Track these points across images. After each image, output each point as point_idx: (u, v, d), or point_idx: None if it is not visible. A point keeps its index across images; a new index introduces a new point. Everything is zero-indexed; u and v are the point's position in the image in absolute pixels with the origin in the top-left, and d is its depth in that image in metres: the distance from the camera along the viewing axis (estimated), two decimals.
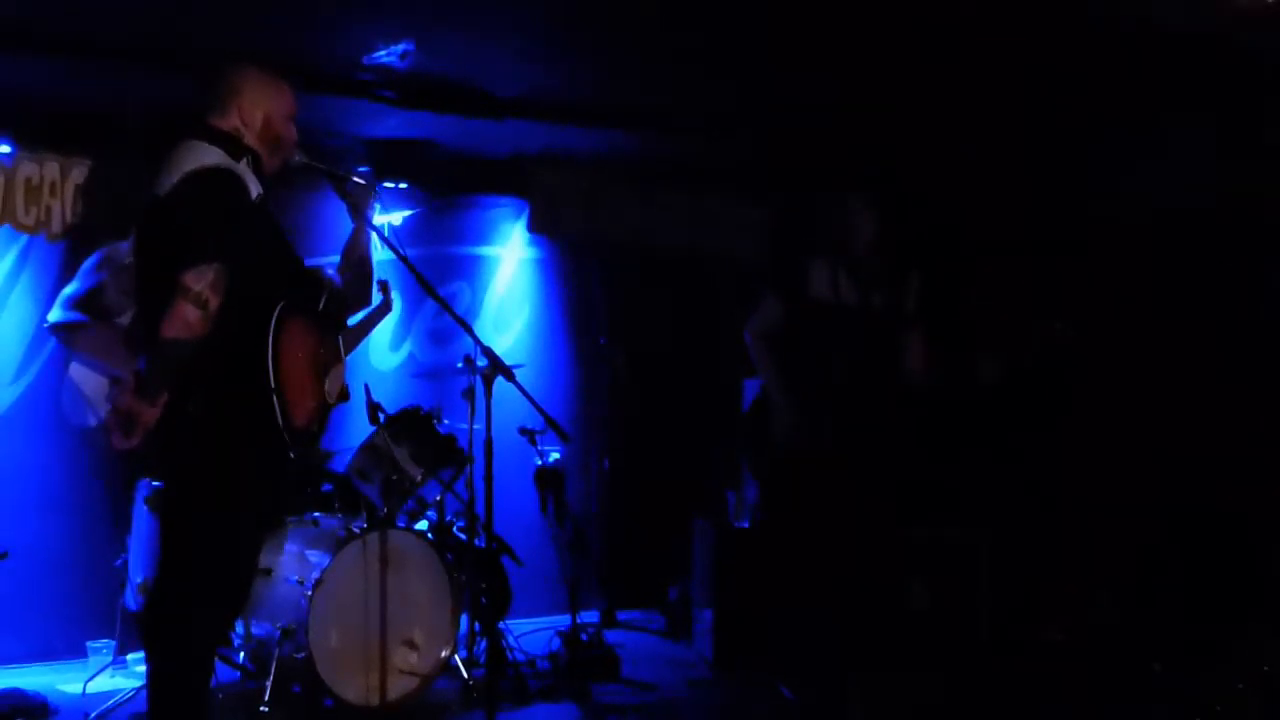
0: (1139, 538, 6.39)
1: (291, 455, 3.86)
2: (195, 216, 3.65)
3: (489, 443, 4.58)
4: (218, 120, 3.93)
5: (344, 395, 5.56)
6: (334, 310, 4.47)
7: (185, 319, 3.56)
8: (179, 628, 3.80)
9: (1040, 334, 5.35)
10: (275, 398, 3.74)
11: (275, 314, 3.81)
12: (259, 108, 3.97)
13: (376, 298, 5.65)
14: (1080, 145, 6.74)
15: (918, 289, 5.58)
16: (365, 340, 7.36)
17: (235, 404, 3.74)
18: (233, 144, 3.88)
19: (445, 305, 4.52)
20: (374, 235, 5.70)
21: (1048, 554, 6.52)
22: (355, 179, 4.54)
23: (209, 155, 3.78)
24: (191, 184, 3.68)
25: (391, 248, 4.48)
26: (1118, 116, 6.38)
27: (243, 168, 3.86)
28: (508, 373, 4.47)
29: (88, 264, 5.94)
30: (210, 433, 3.72)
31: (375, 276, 6.03)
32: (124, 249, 5.90)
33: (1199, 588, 6.17)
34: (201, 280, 3.57)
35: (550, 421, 4.58)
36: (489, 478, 4.56)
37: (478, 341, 4.43)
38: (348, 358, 5.64)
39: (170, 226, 3.66)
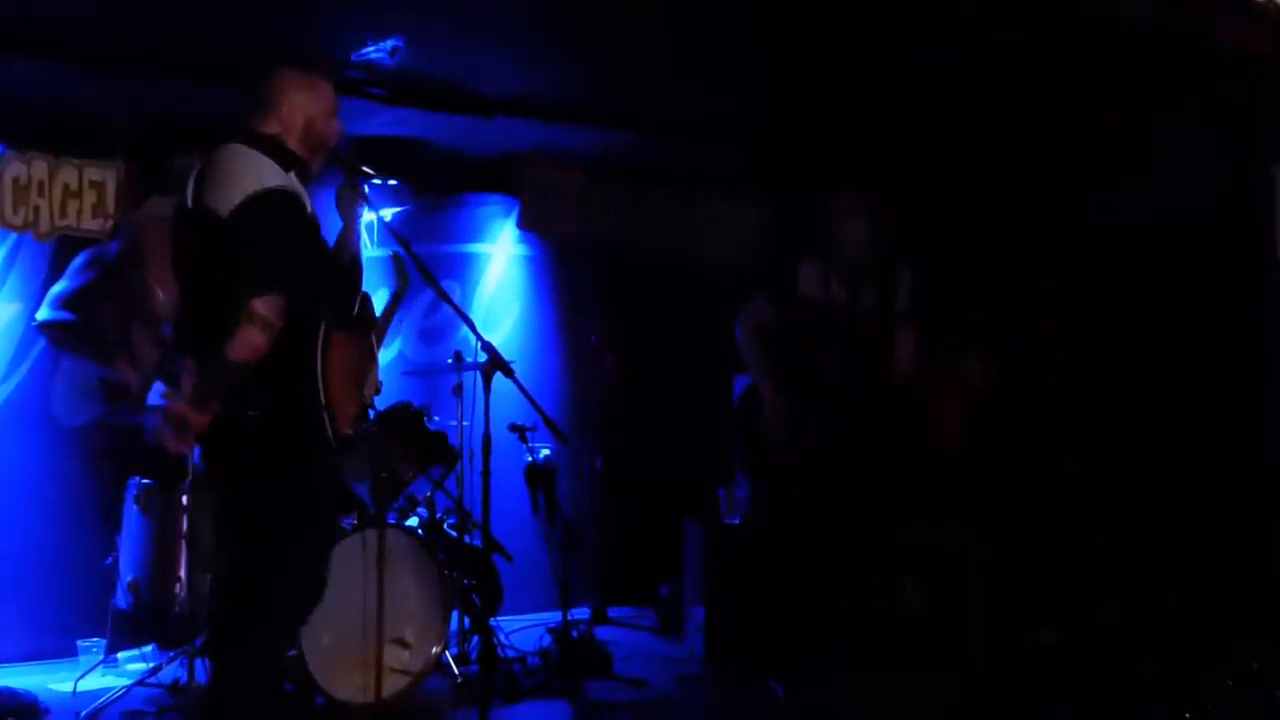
0: (1133, 539, 6.40)
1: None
2: (264, 243, 3.67)
3: (487, 438, 4.58)
4: (260, 124, 3.91)
5: (377, 389, 5.62)
6: (367, 314, 4.49)
7: (252, 344, 3.60)
8: (251, 641, 3.84)
9: (1029, 338, 5.36)
10: (325, 409, 3.83)
11: (323, 326, 3.88)
12: (299, 111, 3.95)
13: (390, 283, 5.65)
14: (1079, 148, 6.75)
15: (909, 288, 5.60)
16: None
17: (291, 412, 3.80)
18: (281, 152, 3.87)
19: (447, 298, 4.55)
20: (364, 231, 5.70)
21: (1041, 555, 6.53)
22: (363, 170, 4.51)
23: (267, 172, 3.77)
24: (257, 207, 3.68)
25: (398, 239, 4.48)
26: (1117, 118, 6.40)
27: (296, 183, 3.87)
28: (507, 369, 4.47)
29: (76, 263, 5.93)
30: (269, 438, 3.77)
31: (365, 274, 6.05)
32: (113, 249, 5.90)
33: (1192, 588, 6.18)
34: (271, 308, 3.61)
35: (547, 420, 4.58)
36: (486, 473, 4.56)
37: (479, 336, 4.43)
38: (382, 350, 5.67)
39: (234, 248, 3.67)
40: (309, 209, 3.91)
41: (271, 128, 3.91)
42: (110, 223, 6.20)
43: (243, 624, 3.84)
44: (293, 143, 3.92)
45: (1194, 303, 6.36)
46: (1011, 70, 5.92)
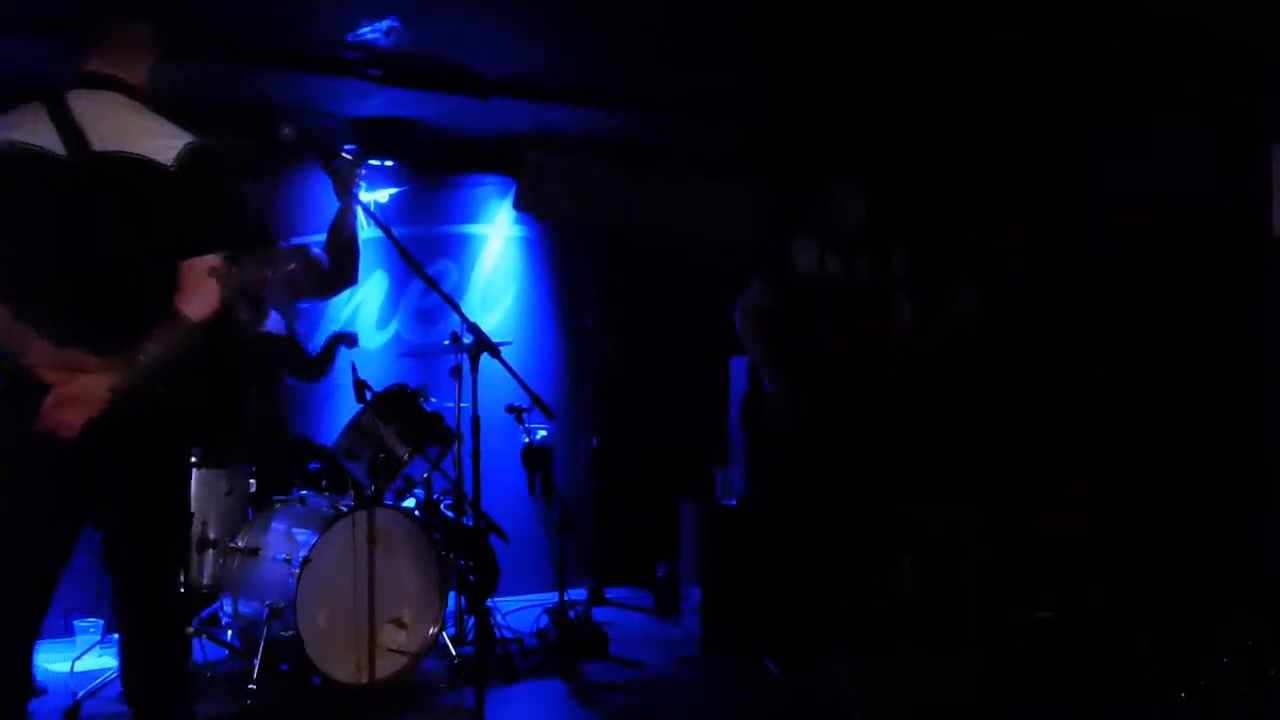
0: (1128, 516, 6.41)
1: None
2: (217, 195, 3.51)
3: (476, 420, 4.57)
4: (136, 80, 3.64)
5: None
6: None
7: (212, 300, 3.41)
8: (175, 621, 3.77)
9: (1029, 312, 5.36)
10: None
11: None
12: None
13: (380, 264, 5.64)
14: (1079, 130, 6.74)
15: (903, 259, 5.60)
16: (354, 318, 7.37)
17: (200, 389, 3.64)
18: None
19: (431, 282, 4.51)
20: (361, 213, 5.69)
21: (1036, 533, 6.54)
22: (343, 155, 4.51)
23: (173, 130, 3.52)
24: (200, 160, 3.46)
25: (379, 225, 4.45)
26: (1118, 101, 6.39)
27: None
28: (493, 349, 4.46)
29: None
30: (183, 419, 3.57)
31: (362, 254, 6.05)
32: None
33: (1187, 567, 6.19)
34: (226, 261, 3.44)
35: (534, 397, 4.57)
36: (477, 455, 4.55)
37: (464, 318, 4.41)
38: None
39: (183, 202, 3.43)
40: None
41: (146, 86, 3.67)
42: None
43: (169, 609, 3.70)
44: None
45: (1192, 280, 6.36)
46: (1010, 49, 5.91)
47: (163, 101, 3.60)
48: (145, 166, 3.41)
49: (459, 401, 5.91)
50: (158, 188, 3.42)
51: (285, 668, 5.38)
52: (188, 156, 3.45)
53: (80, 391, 3.27)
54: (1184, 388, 6.30)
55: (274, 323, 6.30)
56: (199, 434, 3.68)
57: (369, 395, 5.69)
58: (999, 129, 6.77)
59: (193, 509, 5.48)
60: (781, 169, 7.62)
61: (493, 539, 6.43)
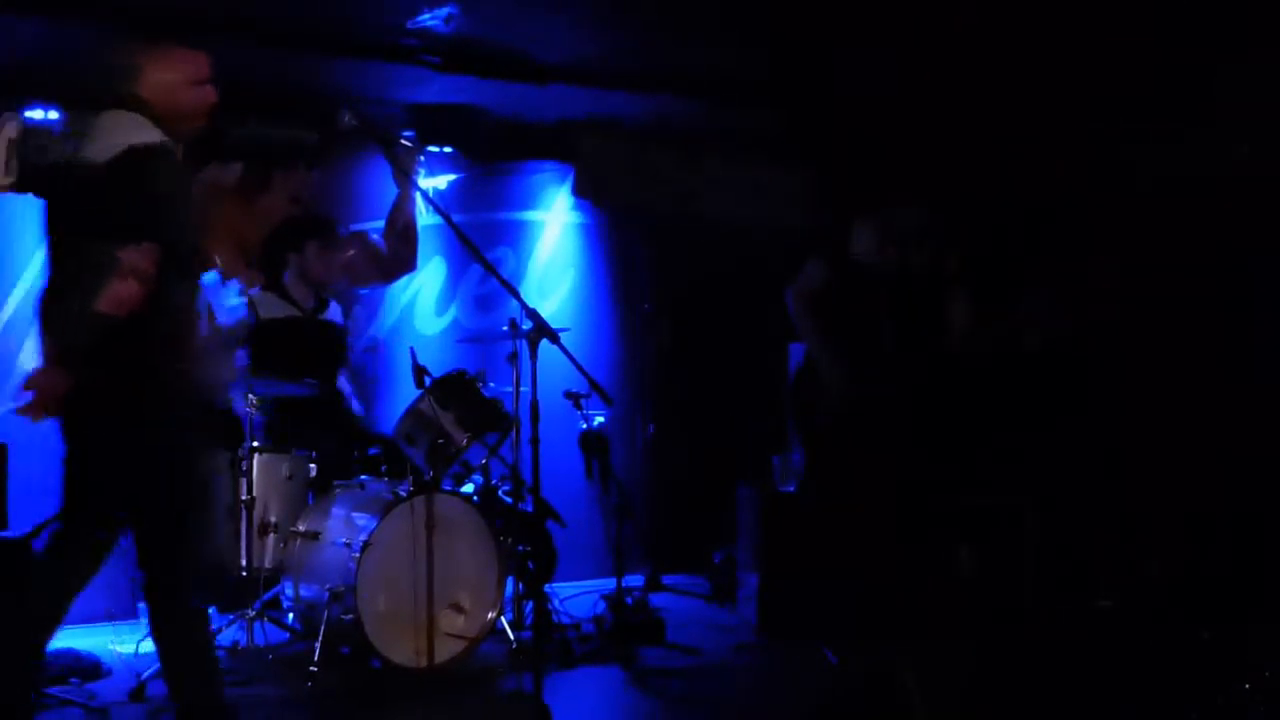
0: (1188, 504, 6.33)
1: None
2: (143, 192, 3.59)
3: (535, 405, 4.58)
4: (138, 89, 3.83)
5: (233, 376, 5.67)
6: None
7: (121, 295, 3.49)
8: (179, 597, 3.81)
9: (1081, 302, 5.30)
10: (187, 372, 3.77)
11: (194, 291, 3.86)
12: (161, 84, 3.85)
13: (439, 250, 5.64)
14: (1135, 121, 6.65)
15: (962, 252, 5.55)
16: (412, 304, 7.41)
17: (153, 376, 3.70)
18: (154, 118, 3.78)
19: (490, 267, 4.51)
20: (420, 199, 5.71)
21: (1095, 521, 6.48)
22: (402, 142, 4.52)
23: (148, 128, 3.69)
24: (138, 157, 3.61)
25: (438, 211, 4.47)
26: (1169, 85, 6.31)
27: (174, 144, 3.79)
28: (552, 335, 4.47)
29: None
30: (129, 402, 3.66)
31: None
32: None
33: (1247, 554, 6.12)
34: (144, 257, 3.51)
35: (593, 383, 4.58)
36: (535, 441, 4.56)
37: (522, 303, 4.42)
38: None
39: (110, 197, 3.59)
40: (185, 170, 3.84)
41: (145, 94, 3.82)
42: None
43: (170, 586, 3.78)
44: (160, 110, 3.81)
45: (1258, 273, 6.28)
46: (1071, 46, 5.85)
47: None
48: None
49: (517, 387, 5.92)
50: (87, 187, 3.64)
51: (345, 651, 5.43)
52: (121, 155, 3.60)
53: (34, 381, 3.58)
54: (1240, 372, 6.23)
55: (333, 311, 6.35)
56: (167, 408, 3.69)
57: (428, 381, 5.71)
58: (1057, 111, 6.68)
59: (254, 493, 5.55)
60: (839, 153, 7.57)
61: (550, 524, 6.45)
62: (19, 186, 4.50)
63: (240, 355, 5.89)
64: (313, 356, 6.12)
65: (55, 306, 3.71)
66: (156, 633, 3.85)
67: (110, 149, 3.62)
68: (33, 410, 3.58)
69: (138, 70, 3.84)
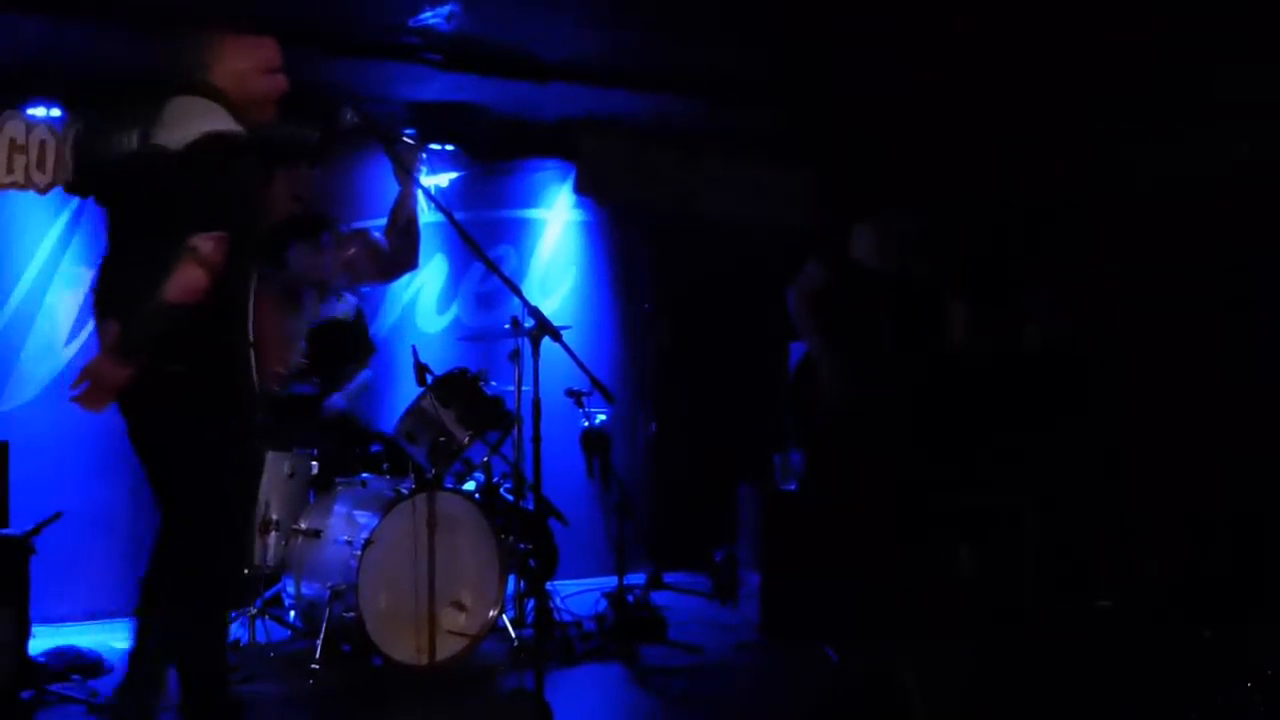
0: (1188, 504, 6.34)
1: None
2: (215, 179, 3.57)
3: (536, 403, 4.59)
4: (211, 77, 3.82)
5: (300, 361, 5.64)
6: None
7: (192, 282, 3.47)
8: (192, 606, 3.73)
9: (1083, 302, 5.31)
10: (254, 365, 3.74)
11: (253, 280, 3.80)
12: (232, 71, 3.86)
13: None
14: (1135, 121, 6.66)
15: (961, 254, 5.56)
16: (414, 302, 7.41)
17: (217, 368, 3.68)
18: (228, 104, 3.78)
19: (492, 265, 4.52)
20: (421, 197, 5.71)
21: (1095, 521, 6.48)
22: (403, 139, 4.52)
23: (223, 116, 3.69)
24: (211, 144, 3.59)
25: (440, 208, 4.47)
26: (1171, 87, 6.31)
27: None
28: (554, 332, 4.47)
29: None
30: (192, 394, 3.63)
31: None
32: None
33: (1247, 554, 6.12)
34: (214, 245, 3.49)
35: (594, 381, 4.58)
36: (537, 438, 4.56)
37: (524, 301, 4.43)
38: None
39: (181, 184, 3.57)
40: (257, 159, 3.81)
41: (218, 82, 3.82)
42: None
43: (184, 589, 3.73)
44: (233, 99, 3.81)
45: (1258, 270, 6.28)
46: (1074, 50, 5.86)
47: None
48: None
49: (518, 385, 5.92)
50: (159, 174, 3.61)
51: (346, 649, 5.44)
52: (196, 142, 3.58)
53: (91, 371, 3.52)
54: (1240, 372, 6.23)
55: (344, 306, 6.34)
56: (214, 407, 3.66)
57: (430, 379, 5.72)
58: (1057, 111, 6.69)
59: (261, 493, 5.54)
60: (839, 153, 7.57)
61: (552, 522, 6.46)
62: (79, 188, 4.47)
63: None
64: (314, 355, 6.12)
65: (120, 294, 3.66)
66: (144, 628, 3.79)
67: (185, 136, 3.59)
68: (89, 399, 3.51)
69: (212, 58, 3.84)
